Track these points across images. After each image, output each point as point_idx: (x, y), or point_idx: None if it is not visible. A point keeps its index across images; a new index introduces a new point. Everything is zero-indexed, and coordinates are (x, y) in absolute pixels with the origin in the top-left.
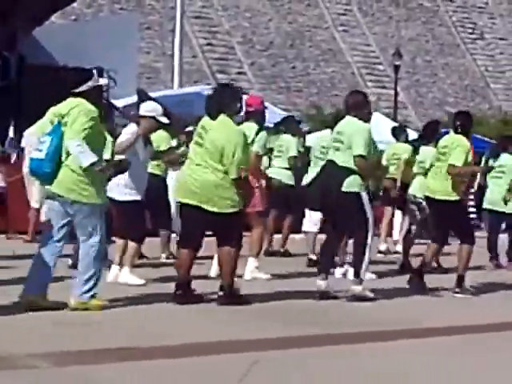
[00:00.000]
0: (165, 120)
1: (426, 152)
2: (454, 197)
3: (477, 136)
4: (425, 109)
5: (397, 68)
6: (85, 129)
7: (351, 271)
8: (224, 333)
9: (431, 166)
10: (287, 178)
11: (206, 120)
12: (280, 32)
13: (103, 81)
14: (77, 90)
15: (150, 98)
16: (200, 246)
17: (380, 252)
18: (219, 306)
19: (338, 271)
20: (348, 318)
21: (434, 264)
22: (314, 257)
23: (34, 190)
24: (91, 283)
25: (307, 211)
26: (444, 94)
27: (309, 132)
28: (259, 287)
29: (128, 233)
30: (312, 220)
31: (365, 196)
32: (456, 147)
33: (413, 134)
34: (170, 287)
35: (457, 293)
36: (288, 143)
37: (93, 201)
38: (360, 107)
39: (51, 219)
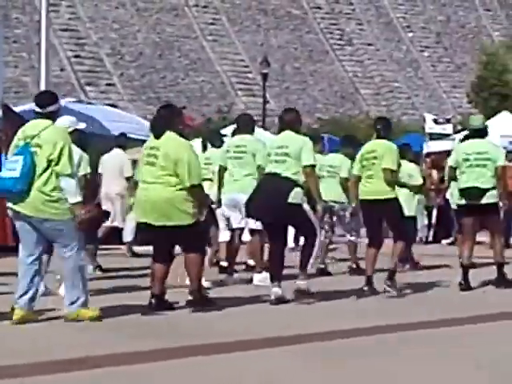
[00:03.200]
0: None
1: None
2: (391, 195)
3: None
4: None
5: (265, 76)
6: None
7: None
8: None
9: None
10: None
11: (153, 141)
12: (148, 43)
13: None
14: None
15: (15, 113)
16: (171, 258)
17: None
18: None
19: (257, 277)
20: (198, 330)
21: (354, 265)
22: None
23: None
24: (76, 294)
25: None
26: (314, 100)
27: None
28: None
29: None
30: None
31: (306, 206)
32: (386, 151)
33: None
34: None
35: (388, 286)
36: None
37: (65, 217)
38: (295, 123)
39: (24, 238)
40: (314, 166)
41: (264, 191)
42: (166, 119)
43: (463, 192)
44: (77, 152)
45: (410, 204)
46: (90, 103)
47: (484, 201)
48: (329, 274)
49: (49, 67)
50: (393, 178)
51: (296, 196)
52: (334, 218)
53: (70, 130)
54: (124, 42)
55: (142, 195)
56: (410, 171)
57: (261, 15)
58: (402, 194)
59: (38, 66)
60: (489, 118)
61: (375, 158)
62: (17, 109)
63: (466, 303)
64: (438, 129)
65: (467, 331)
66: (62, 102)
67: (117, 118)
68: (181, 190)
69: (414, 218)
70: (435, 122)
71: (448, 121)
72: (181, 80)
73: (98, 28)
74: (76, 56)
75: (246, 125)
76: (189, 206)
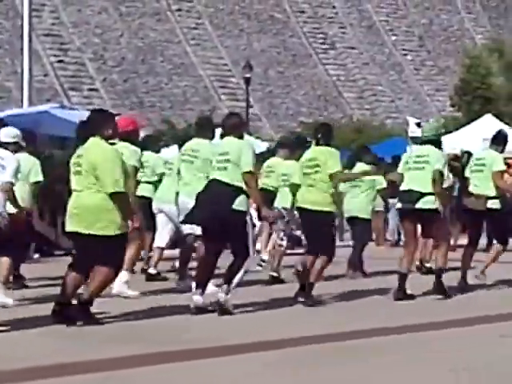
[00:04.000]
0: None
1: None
2: (328, 208)
3: None
4: (279, 120)
5: (248, 80)
6: None
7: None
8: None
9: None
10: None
11: (79, 148)
12: (131, 47)
13: None
14: None
15: None
16: (88, 271)
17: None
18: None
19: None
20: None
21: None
22: (153, 271)
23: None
24: None
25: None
26: (297, 104)
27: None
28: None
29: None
30: (161, 236)
31: (249, 228)
32: (327, 157)
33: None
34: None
35: (303, 302)
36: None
37: None
38: (238, 128)
39: None
40: (251, 173)
41: (207, 198)
42: (91, 124)
43: (400, 195)
44: (28, 159)
45: (366, 207)
46: (72, 108)
47: (419, 205)
48: (282, 281)
49: (32, 72)
50: (342, 178)
51: (240, 203)
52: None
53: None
54: (107, 47)
55: (70, 204)
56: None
57: (244, 19)
58: (359, 196)
59: (21, 72)
60: (472, 121)
61: (317, 165)
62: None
63: (424, 309)
64: (420, 132)
65: (435, 336)
66: (46, 107)
67: None
68: (106, 198)
69: (368, 221)
70: (418, 125)
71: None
72: (164, 85)
73: (80, 33)
74: (59, 61)
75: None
76: (114, 216)
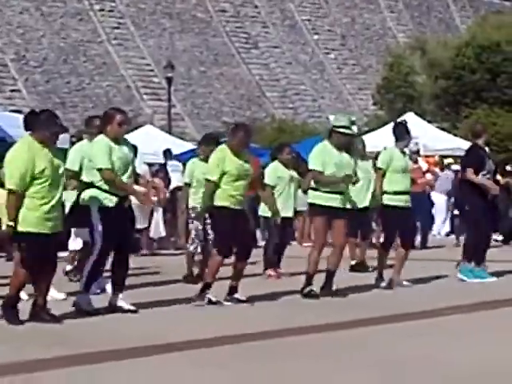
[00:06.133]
0: None
1: None
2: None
3: (254, 145)
4: (201, 120)
5: (170, 80)
6: None
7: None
8: None
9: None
10: None
11: None
12: (53, 47)
13: None
14: None
15: None
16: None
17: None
18: None
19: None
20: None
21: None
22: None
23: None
24: None
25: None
26: (220, 104)
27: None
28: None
29: None
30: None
31: (95, 210)
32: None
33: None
34: None
35: (193, 300)
36: None
37: None
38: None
39: None
40: (100, 170)
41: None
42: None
43: None
44: None
45: (287, 204)
46: None
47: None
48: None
49: None
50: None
51: (85, 198)
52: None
53: None
54: (28, 48)
55: None
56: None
57: (166, 19)
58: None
59: None
60: (394, 120)
61: None
62: None
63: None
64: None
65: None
66: None
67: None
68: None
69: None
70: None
71: (353, 123)
72: (86, 85)
73: (2, 33)
74: None
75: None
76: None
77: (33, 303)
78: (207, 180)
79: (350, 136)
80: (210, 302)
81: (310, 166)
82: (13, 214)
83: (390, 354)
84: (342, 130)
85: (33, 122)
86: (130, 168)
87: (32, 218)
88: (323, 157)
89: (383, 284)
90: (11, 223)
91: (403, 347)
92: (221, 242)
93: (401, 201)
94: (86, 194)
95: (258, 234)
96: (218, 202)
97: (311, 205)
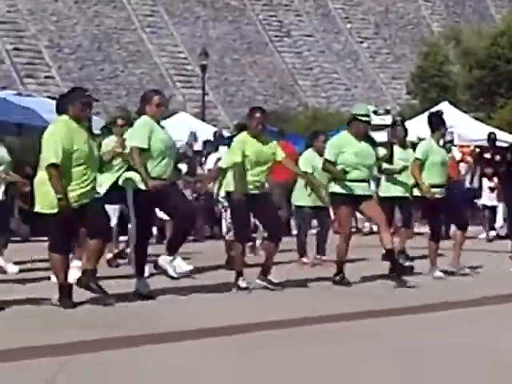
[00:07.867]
0: None
1: None
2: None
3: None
4: (234, 107)
5: (204, 68)
6: None
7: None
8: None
9: None
10: None
11: None
12: (87, 35)
13: None
14: None
15: None
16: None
17: None
18: None
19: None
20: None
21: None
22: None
23: None
24: None
25: None
26: (253, 92)
27: None
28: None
29: None
30: None
31: (130, 193)
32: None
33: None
34: None
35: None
36: None
37: None
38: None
39: None
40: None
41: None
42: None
43: None
44: None
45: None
46: (29, 95)
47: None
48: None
49: None
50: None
51: (122, 179)
52: None
53: None
54: (62, 35)
55: None
56: None
57: (199, 7)
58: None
59: None
60: (428, 109)
61: None
62: None
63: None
64: (377, 120)
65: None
66: (2, 94)
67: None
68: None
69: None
70: (374, 113)
71: (387, 112)
72: (120, 72)
73: (36, 20)
74: (15, 49)
75: None
76: (47, 191)
77: (82, 271)
78: (233, 164)
79: (368, 124)
80: (240, 288)
81: (324, 156)
82: (59, 187)
83: (433, 340)
84: (360, 117)
85: (63, 101)
86: (173, 152)
87: (69, 198)
88: (339, 147)
89: (438, 273)
90: (61, 196)
91: (448, 334)
92: (237, 227)
93: (436, 193)
94: (124, 175)
95: (293, 222)
96: (233, 188)
97: (332, 194)
